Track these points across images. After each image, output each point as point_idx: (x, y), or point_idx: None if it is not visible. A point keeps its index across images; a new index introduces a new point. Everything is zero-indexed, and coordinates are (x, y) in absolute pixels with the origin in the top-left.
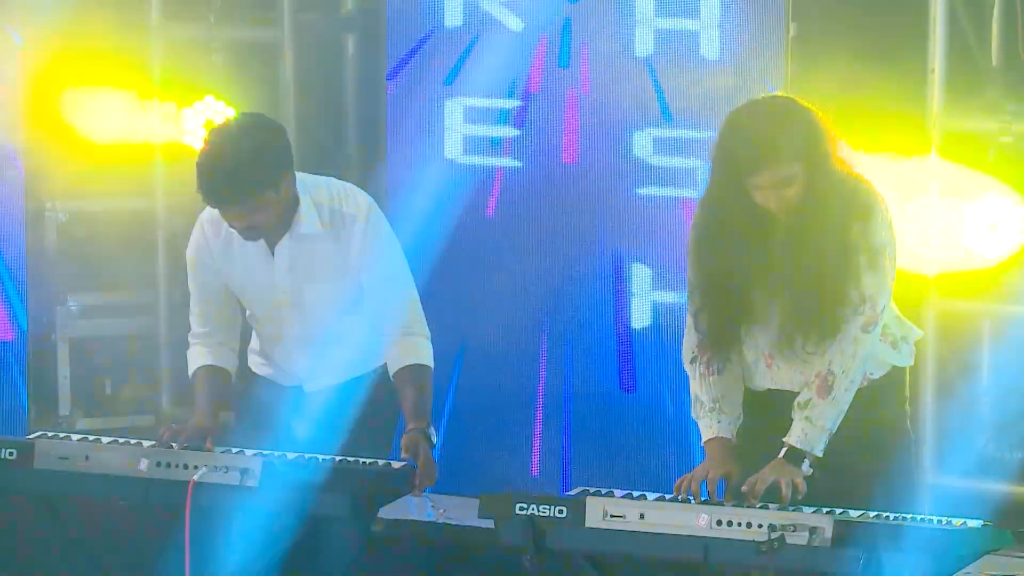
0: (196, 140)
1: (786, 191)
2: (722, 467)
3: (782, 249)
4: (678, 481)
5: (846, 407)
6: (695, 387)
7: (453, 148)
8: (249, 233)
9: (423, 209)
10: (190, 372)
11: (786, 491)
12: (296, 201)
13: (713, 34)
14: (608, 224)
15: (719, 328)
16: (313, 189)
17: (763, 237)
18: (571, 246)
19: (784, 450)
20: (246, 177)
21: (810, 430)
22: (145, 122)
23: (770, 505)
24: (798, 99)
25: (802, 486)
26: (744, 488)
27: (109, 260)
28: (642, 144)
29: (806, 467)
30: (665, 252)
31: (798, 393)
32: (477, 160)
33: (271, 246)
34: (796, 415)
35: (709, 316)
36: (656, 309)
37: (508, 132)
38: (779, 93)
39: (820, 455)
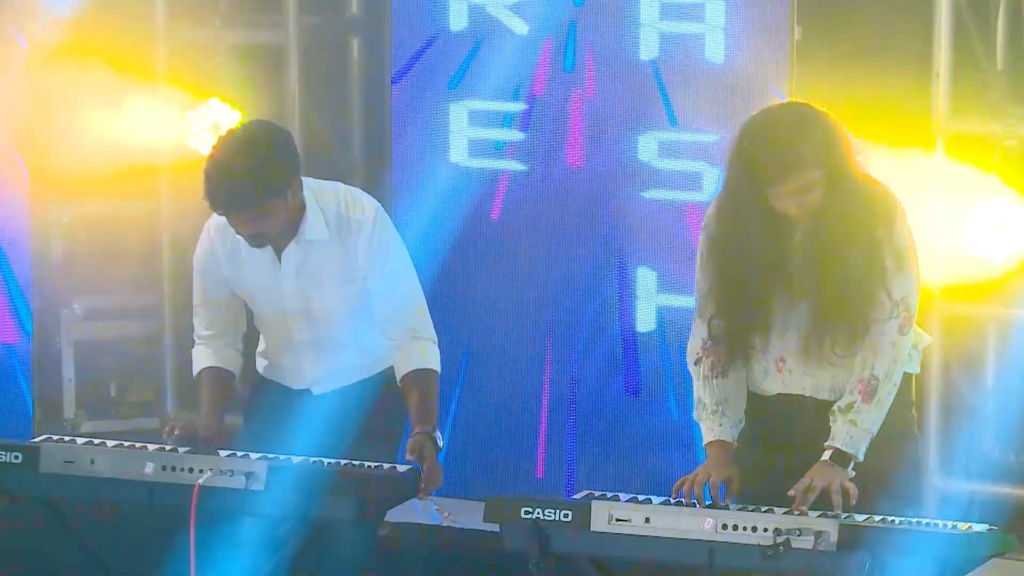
0: (201, 143)
1: (806, 197)
2: (724, 471)
3: (804, 254)
4: (677, 483)
5: (886, 410)
6: (698, 389)
7: (458, 151)
8: (256, 240)
9: (428, 212)
10: (194, 372)
11: (837, 499)
12: (303, 207)
13: (718, 37)
14: (613, 227)
15: (735, 335)
16: (320, 194)
17: (783, 243)
18: (576, 249)
19: (830, 452)
20: (253, 185)
21: (855, 433)
22: (150, 125)
23: (776, 509)
24: (812, 104)
25: (853, 490)
26: (791, 493)
27: (114, 263)
28: (647, 147)
29: (850, 470)
30: (670, 255)
31: (808, 397)
32: (482, 163)
33: (278, 252)
34: (838, 418)
35: (726, 323)
36: (661, 312)
37: (513, 135)
38: (793, 99)
39: (862, 459)
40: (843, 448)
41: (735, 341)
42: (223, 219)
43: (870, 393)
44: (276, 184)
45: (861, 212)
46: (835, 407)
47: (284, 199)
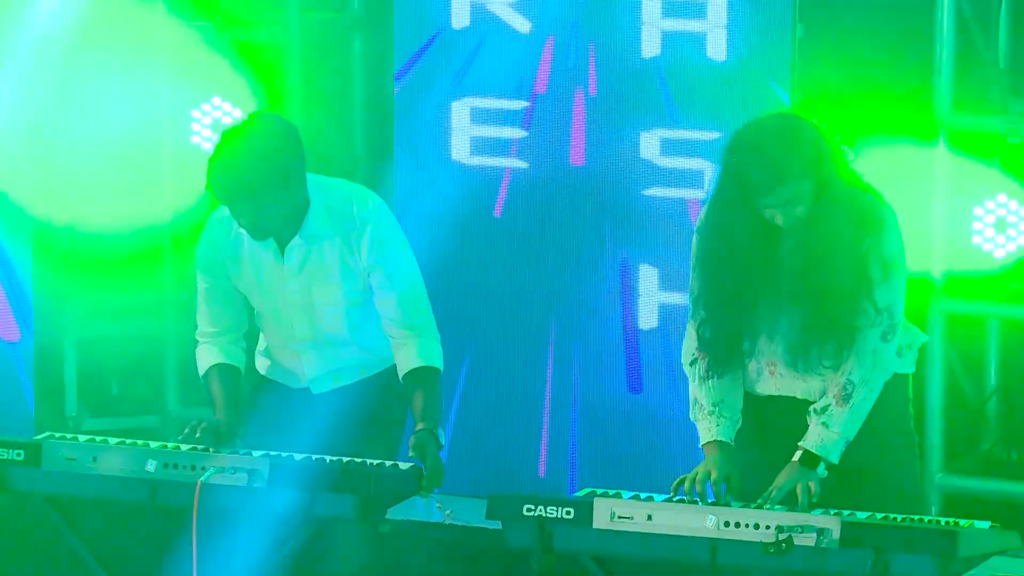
0: (203, 141)
1: (794, 209)
2: (724, 469)
3: (792, 263)
4: (676, 481)
5: (864, 416)
6: (694, 390)
7: (460, 149)
8: (259, 233)
9: (430, 210)
10: (200, 371)
11: (802, 498)
12: (307, 202)
13: (720, 35)
14: (615, 225)
15: (723, 340)
16: (324, 190)
17: (771, 252)
18: (578, 247)
19: (799, 453)
20: (257, 176)
21: (826, 435)
22: (152, 123)
23: (778, 506)
24: (802, 115)
25: (813, 488)
26: (761, 500)
27: (115, 260)
28: (649, 145)
29: (821, 471)
30: (672, 253)
31: (801, 400)
32: (484, 161)
33: (281, 247)
34: (812, 420)
35: (714, 328)
36: (663, 310)
37: (515, 133)
38: (783, 110)
39: (835, 462)
40: (812, 450)
41: (723, 345)
42: (226, 214)
43: (845, 398)
44: (279, 176)
45: (849, 222)
46: (812, 407)
47: (287, 191)
